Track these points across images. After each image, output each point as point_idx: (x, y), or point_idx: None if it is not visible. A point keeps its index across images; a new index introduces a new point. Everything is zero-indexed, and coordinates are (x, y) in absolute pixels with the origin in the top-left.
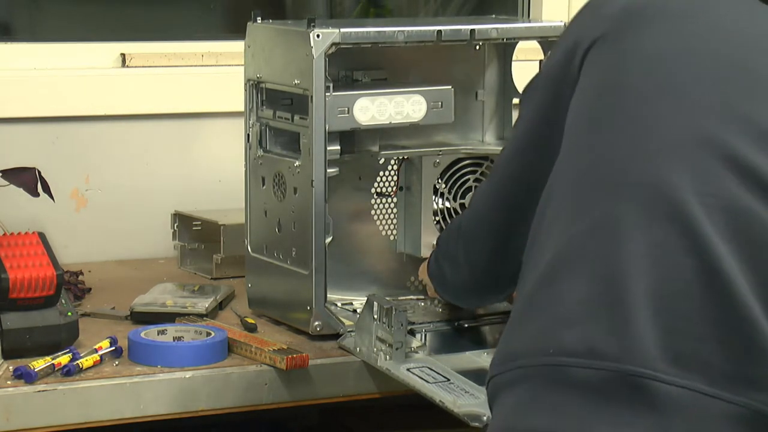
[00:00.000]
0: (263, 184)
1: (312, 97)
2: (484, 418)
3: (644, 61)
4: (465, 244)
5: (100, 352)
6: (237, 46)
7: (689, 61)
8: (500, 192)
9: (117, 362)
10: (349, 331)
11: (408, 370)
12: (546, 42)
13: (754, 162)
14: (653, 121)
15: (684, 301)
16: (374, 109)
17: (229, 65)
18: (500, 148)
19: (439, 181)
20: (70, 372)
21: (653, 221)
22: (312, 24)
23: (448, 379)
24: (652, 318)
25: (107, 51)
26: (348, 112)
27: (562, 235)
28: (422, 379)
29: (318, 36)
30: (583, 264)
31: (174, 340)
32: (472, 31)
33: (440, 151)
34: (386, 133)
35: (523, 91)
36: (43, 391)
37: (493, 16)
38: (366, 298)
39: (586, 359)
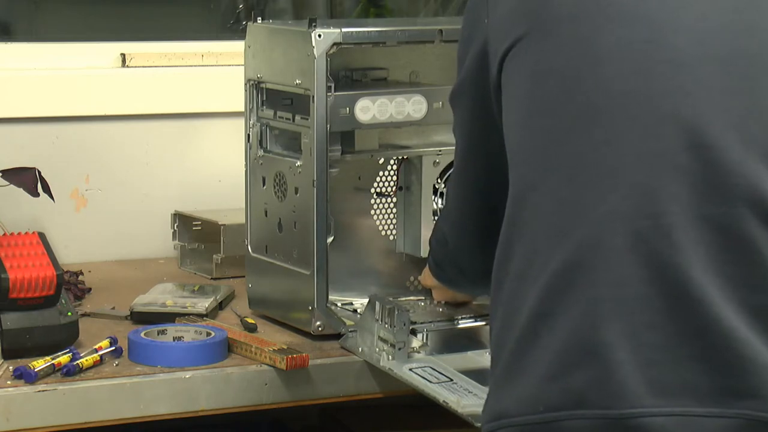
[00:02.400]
0: (263, 184)
1: (314, 97)
2: None
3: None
4: (457, 254)
5: (100, 352)
6: (237, 46)
7: (628, 62)
8: (468, 198)
9: (117, 362)
10: (350, 331)
11: (411, 370)
12: None
13: (709, 163)
14: (599, 146)
15: (657, 331)
16: (375, 109)
17: (229, 65)
18: None
19: (439, 180)
20: (70, 372)
21: (615, 258)
22: (313, 24)
23: (451, 379)
24: (630, 356)
25: (107, 51)
26: (349, 112)
27: (534, 286)
28: (425, 379)
29: (320, 36)
30: (559, 316)
31: (174, 340)
32: None
33: (440, 150)
34: (386, 133)
35: (450, 96)
36: (43, 391)
37: None
38: (368, 299)
39: (576, 410)
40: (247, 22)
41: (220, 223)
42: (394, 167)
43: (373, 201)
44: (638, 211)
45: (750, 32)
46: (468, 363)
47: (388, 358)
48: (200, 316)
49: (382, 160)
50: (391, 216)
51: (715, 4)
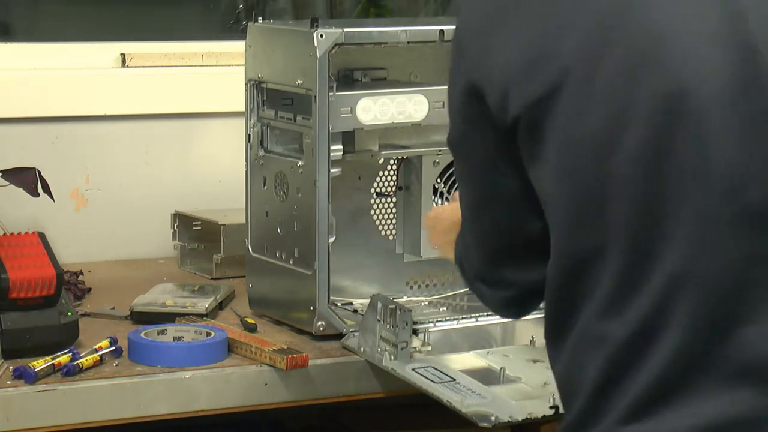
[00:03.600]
0: (264, 184)
1: (315, 97)
2: (492, 418)
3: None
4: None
5: (100, 352)
6: (237, 46)
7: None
8: (488, 248)
9: (117, 362)
10: (351, 332)
11: (413, 370)
12: None
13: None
14: (655, 218)
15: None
16: (376, 109)
17: (229, 65)
18: None
19: (439, 180)
20: (70, 372)
21: (678, 327)
22: (315, 24)
23: (454, 379)
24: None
25: (107, 51)
26: (351, 112)
27: (596, 357)
28: (428, 379)
29: (322, 36)
30: (623, 386)
31: (174, 340)
32: None
33: (439, 150)
34: (386, 133)
35: (449, 144)
36: (43, 391)
37: None
38: (368, 299)
39: None
40: (247, 22)
41: (220, 223)
42: (394, 167)
43: (372, 201)
44: (700, 278)
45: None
46: (469, 363)
47: (391, 358)
48: (200, 316)
49: (381, 160)
50: (391, 216)
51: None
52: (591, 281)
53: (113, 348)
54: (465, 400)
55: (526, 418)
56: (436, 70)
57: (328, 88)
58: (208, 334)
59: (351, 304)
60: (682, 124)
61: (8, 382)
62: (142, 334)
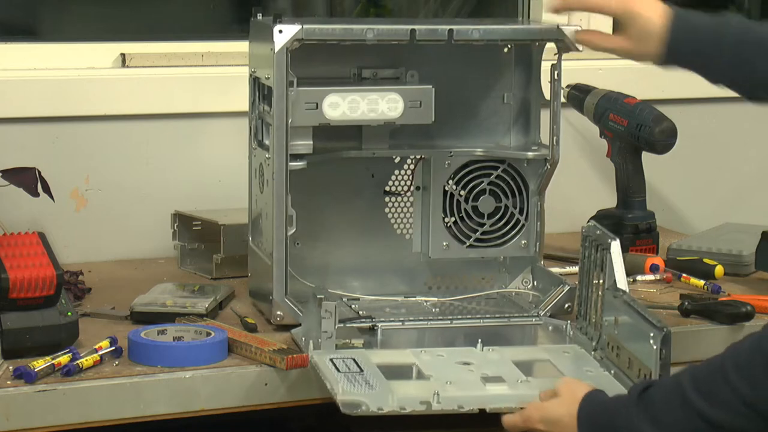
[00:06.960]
0: (255, 176)
1: (273, 90)
2: (362, 407)
3: None
4: None
5: (100, 352)
6: (237, 46)
7: None
8: None
9: (117, 362)
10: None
11: (330, 360)
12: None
13: None
14: None
15: None
16: (345, 105)
17: (230, 65)
18: (524, 152)
19: (449, 182)
20: (70, 372)
21: None
22: (278, 20)
23: (362, 371)
24: None
25: (107, 51)
26: (317, 108)
27: None
28: (336, 368)
29: (280, 31)
30: None
31: (174, 340)
32: (450, 31)
33: (451, 152)
34: (398, 132)
35: None
36: (43, 391)
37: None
38: (378, 296)
39: None
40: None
41: (220, 223)
42: (410, 166)
43: (387, 199)
44: None
45: None
46: (395, 359)
47: (315, 347)
48: (200, 316)
49: (397, 159)
50: (407, 215)
51: None
52: None
53: (113, 348)
54: (348, 389)
55: (393, 410)
56: (454, 71)
57: (287, 82)
58: (208, 334)
59: (359, 299)
60: None
61: (8, 382)
62: (142, 334)
